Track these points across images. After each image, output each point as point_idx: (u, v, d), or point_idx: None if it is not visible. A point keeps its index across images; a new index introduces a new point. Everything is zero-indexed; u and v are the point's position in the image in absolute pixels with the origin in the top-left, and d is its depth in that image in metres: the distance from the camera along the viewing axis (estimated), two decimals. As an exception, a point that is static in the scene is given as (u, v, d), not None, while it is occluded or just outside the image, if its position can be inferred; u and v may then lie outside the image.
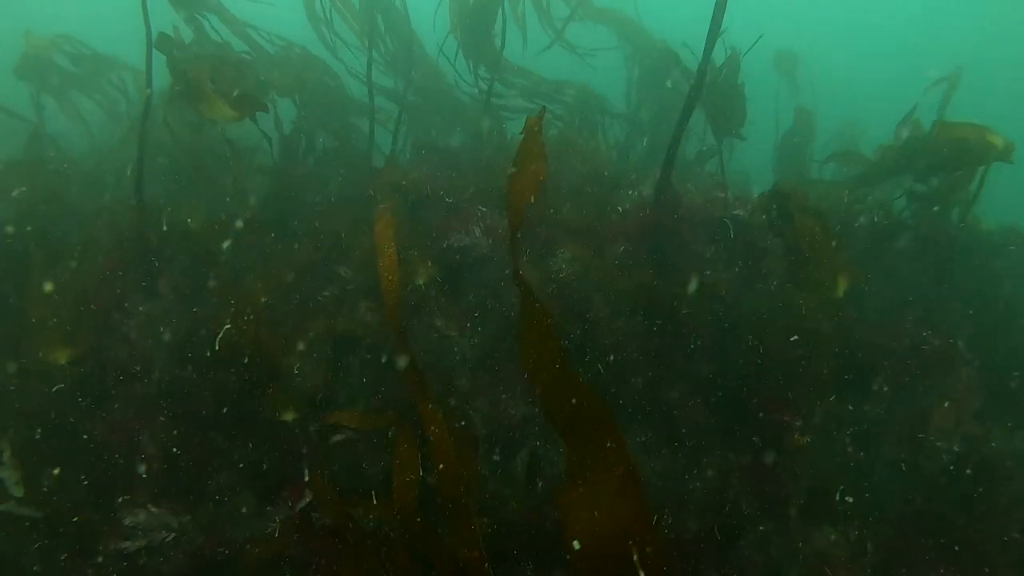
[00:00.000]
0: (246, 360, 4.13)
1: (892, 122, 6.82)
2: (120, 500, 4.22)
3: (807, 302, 4.23)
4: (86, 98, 8.33)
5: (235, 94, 4.68)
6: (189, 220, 5.61)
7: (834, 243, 4.20)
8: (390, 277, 3.41)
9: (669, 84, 8.42)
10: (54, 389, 4.73)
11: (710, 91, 6.87)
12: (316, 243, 5.79)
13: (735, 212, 5.28)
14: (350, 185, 6.80)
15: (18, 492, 3.84)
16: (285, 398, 3.94)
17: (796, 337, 4.51)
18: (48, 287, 4.87)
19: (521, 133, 3.30)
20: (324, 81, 8.38)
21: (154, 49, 5.03)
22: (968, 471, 4.52)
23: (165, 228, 5.39)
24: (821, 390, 4.54)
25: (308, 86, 7.93)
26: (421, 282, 5.37)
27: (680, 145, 5.32)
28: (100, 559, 3.89)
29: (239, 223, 5.56)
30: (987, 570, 4.04)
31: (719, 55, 10.03)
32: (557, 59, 9.78)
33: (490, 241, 5.49)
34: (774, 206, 4.83)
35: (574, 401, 2.60)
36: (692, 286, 5.00)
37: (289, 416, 3.87)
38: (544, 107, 3.36)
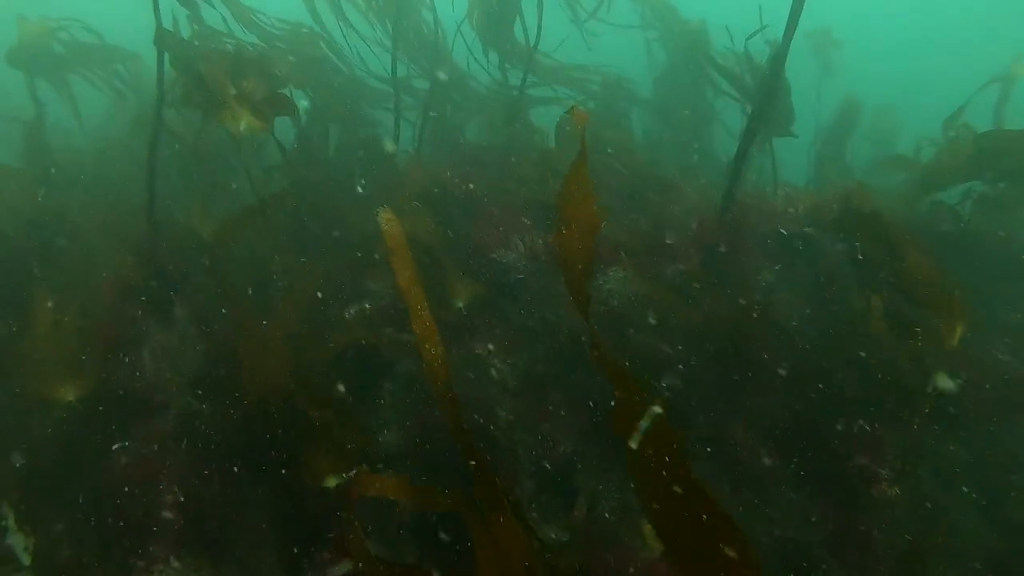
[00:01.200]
0: (275, 411, 3.69)
1: (917, 109, 6.37)
2: (136, 559, 3.83)
3: (909, 347, 3.79)
4: (88, 87, 7.76)
5: (259, 97, 4.15)
6: (205, 234, 5.15)
7: (948, 283, 3.74)
8: (419, 308, 2.97)
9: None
10: (59, 428, 4.30)
11: (758, 86, 6.38)
12: (341, 254, 5.33)
13: (805, 229, 4.81)
14: (374, 187, 6.30)
15: (27, 560, 3.44)
16: (324, 461, 3.50)
17: (880, 375, 4.06)
18: (52, 312, 4.43)
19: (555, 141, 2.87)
20: (340, 70, 7.83)
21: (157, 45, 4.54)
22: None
23: (179, 245, 4.92)
24: (906, 432, 4.11)
25: (325, 77, 7.39)
26: (461, 304, 4.93)
27: (747, 157, 4.82)
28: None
29: (259, 235, 5.09)
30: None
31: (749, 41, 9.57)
32: (569, 41, 9.17)
33: (535, 257, 5.03)
34: (849, 223, 4.38)
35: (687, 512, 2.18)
36: (759, 313, 4.55)
37: (331, 482, 3.44)
38: (574, 106, 2.85)
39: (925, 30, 39.92)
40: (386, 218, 3.34)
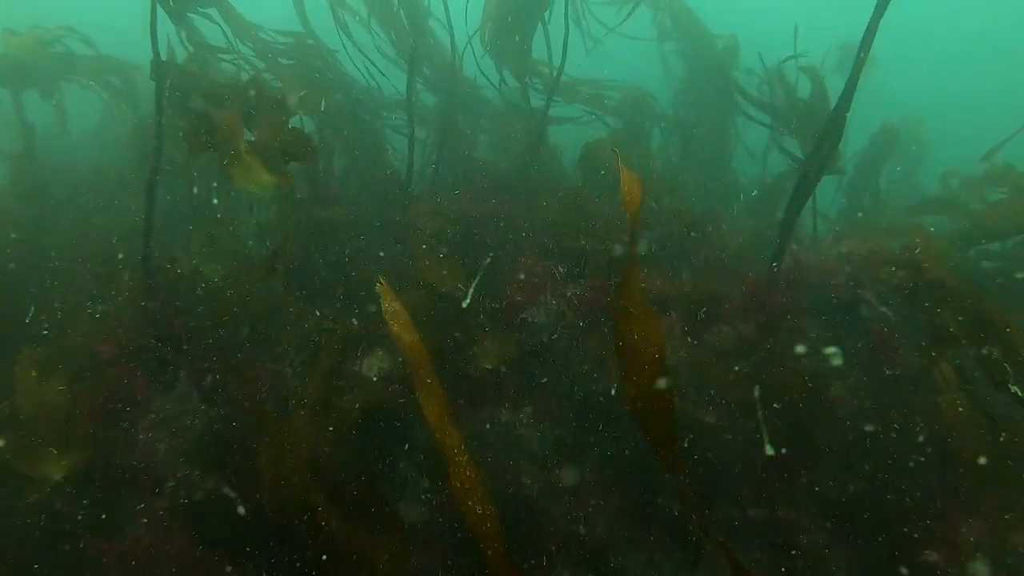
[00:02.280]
0: (291, 508, 3.27)
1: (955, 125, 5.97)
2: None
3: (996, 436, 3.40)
4: (81, 100, 7.29)
5: (274, 144, 3.68)
6: (207, 277, 4.70)
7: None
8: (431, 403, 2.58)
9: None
10: (47, 508, 3.87)
11: (804, 116, 5.97)
12: (354, 306, 4.89)
13: (864, 293, 4.41)
14: (387, 223, 5.86)
15: None
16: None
17: (959, 463, 3.68)
18: (39, 379, 3.99)
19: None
20: (347, 84, 7.37)
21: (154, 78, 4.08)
22: None
23: (179, 295, 4.48)
24: (987, 527, 3.73)
25: (331, 94, 6.93)
26: (489, 366, 4.51)
27: (799, 215, 4.41)
28: None
29: (264, 285, 4.65)
30: None
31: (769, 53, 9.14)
32: (581, 53, 8.66)
33: (567, 314, 4.61)
34: (926, 294, 3.97)
35: None
36: (815, 385, 4.16)
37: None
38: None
39: (966, 43, 38.96)
40: (385, 295, 2.94)
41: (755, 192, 8.60)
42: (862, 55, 4.25)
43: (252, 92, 3.96)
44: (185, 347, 4.26)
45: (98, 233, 5.10)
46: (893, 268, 4.26)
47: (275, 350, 4.55)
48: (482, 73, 7.53)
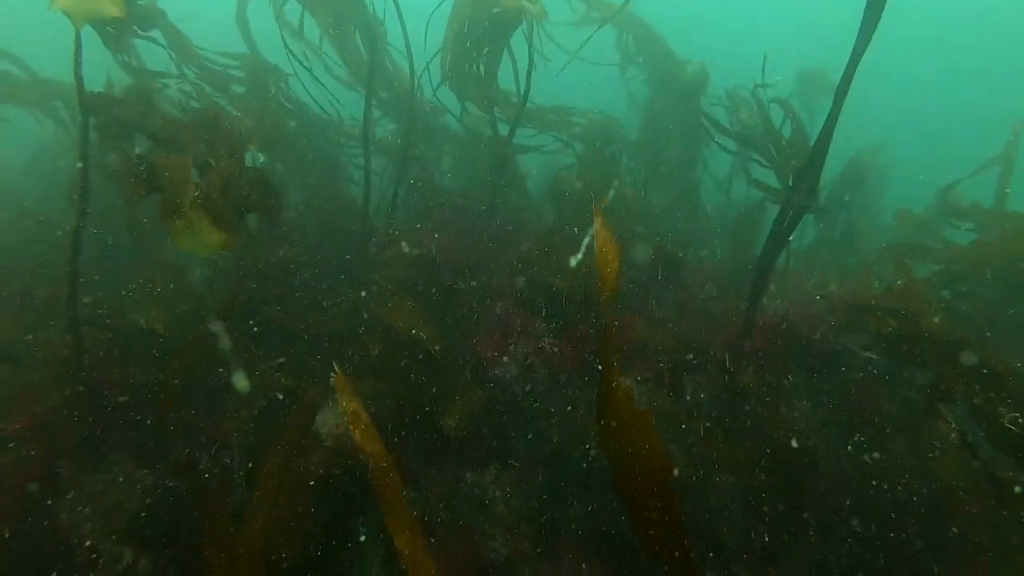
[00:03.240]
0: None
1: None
2: None
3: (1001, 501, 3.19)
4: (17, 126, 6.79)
5: (230, 192, 3.29)
6: (144, 325, 4.29)
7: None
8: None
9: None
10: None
11: (784, 152, 5.79)
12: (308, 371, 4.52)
13: (846, 342, 4.20)
14: (347, 263, 5.50)
15: None
16: None
17: (961, 530, 3.47)
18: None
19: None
20: (301, 110, 7.01)
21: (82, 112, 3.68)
22: None
23: (111, 350, 4.06)
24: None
25: (283, 120, 6.56)
26: (452, 422, 4.18)
27: (775, 261, 4.19)
28: None
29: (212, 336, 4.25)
30: None
31: (743, 75, 8.99)
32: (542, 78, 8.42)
33: (540, 366, 4.31)
34: (923, 351, 3.77)
35: None
36: (801, 446, 3.93)
37: None
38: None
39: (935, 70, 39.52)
40: (343, 393, 2.65)
41: (724, 221, 8.47)
42: (842, 92, 4.05)
43: (205, 133, 3.58)
44: (120, 410, 3.85)
45: (22, 283, 4.63)
46: (881, 316, 4.06)
47: (224, 410, 4.16)
48: (438, 101, 7.24)
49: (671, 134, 8.61)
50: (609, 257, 2.00)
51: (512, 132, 6.40)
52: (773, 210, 7.85)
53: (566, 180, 6.51)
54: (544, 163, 9.48)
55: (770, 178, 6.36)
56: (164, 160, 3.16)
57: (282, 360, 4.59)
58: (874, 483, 3.85)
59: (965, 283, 5.05)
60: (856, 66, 4.03)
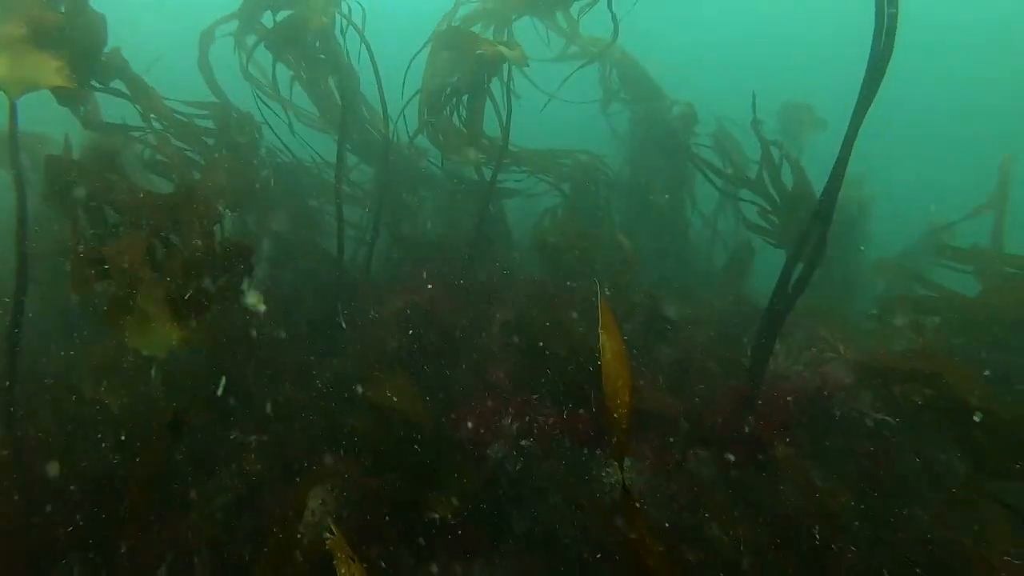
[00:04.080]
0: None
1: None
2: None
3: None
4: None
5: (196, 283, 2.93)
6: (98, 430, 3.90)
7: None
8: None
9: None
10: None
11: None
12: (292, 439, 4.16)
13: (865, 413, 3.92)
14: (322, 327, 5.16)
15: None
16: None
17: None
18: None
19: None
20: (274, 158, 6.70)
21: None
22: None
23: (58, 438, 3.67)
24: None
25: (260, 174, 6.25)
26: (441, 510, 3.84)
27: (778, 329, 3.92)
28: None
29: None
30: None
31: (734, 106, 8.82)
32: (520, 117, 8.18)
33: (535, 444, 3.99)
34: (935, 408, 3.50)
35: None
36: (822, 524, 3.62)
37: None
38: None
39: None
40: (340, 557, 2.34)
41: (712, 260, 8.26)
42: (848, 145, 3.82)
43: (172, 209, 3.24)
44: (65, 517, 3.46)
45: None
46: (905, 381, 3.79)
47: (189, 503, 3.78)
48: (412, 145, 6.99)
49: (658, 173, 8.40)
50: (619, 384, 1.70)
51: (494, 177, 6.12)
52: (764, 249, 7.66)
53: (548, 231, 6.24)
54: (527, 202, 9.22)
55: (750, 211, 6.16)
56: (114, 247, 2.81)
57: (254, 440, 4.23)
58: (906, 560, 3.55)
59: (976, 334, 4.81)
60: (860, 124, 3.81)
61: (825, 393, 4.00)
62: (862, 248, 7.90)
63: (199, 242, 2.99)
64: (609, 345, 1.76)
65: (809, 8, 34.05)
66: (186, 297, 2.82)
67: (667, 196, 8.06)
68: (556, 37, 9.10)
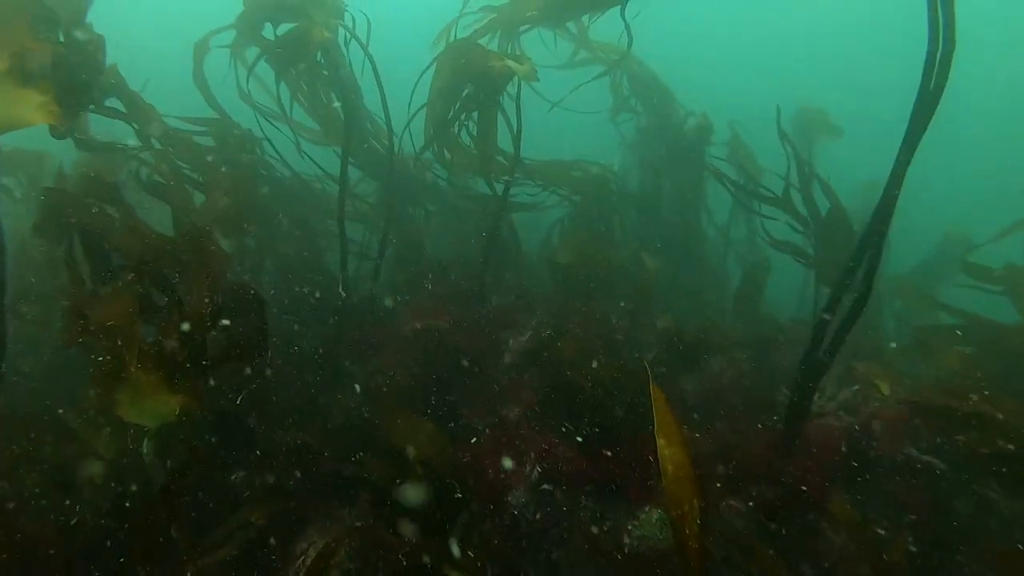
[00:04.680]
0: None
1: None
2: None
3: None
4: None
5: (197, 346, 2.65)
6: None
7: None
8: None
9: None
10: None
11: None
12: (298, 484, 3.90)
13: (919, 454, 3.67)
14: (326, 355, 4.91)
15: None
16: None
17: None
18: None
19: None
20: (276, 177, 6.45)
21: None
22: None
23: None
24: None
25: (260, 192, 6.00)
26: (456, 572, 3.59)
27: (827, 365, 3.65)
28: None
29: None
30: None
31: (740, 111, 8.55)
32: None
33: (562, 499, 3.74)
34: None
35: None
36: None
37: None
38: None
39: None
40: None
41: (724, 272, 8.01)
42: (897, 179, 3.54)
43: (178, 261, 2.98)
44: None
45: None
46: (958, 422, 3.54)
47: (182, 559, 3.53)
48: (418, 159, 6.73)
49: (672, 186, 8.13)
50: (685, 508, 1.44)
51: (506, 193, 5.82)
52: (780, 267, 7.39)
53: (562, 250, 5.99)
54: (532, 213, 8.94)
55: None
56: (100, 301, 2.55)
57: (257, 485, 3.98)
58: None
59: (1017, 364, 4.56)
60: (909, 161, 3.53)
61: (872, 436, 3.75)
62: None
63: (203, 293, 2.73)
64: (671, 457, 1.51)
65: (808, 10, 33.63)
66: (185, 360, 2.56)
67: (682, 208, 7.80)
68: (563, 42, 8.83)
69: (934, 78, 3.27)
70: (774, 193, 5.68)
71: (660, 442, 1.59)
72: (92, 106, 4.69)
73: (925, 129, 3.39)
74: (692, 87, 9.52)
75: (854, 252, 3.68)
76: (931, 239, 10.03)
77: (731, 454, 3.89)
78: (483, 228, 6.74)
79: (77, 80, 3.35)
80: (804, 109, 9.69)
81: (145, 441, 2.69)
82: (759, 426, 4.00)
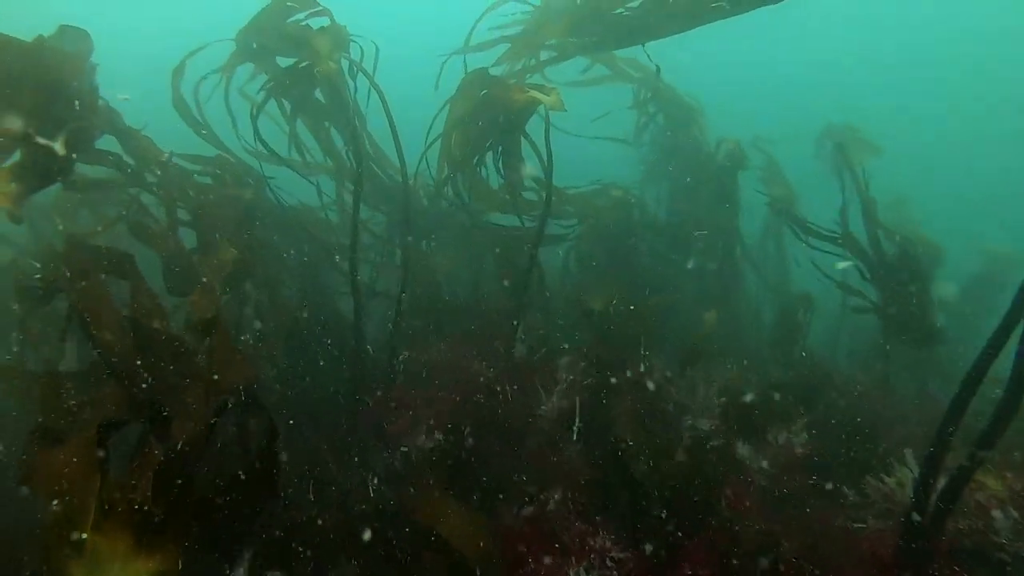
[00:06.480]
0: None
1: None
2: None
3: None
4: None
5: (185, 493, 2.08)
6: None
7: None
8: None
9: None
10: None
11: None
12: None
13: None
14: (339, 427, 4.38)
15: None
16: None
17: None
18: None
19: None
20: (283, 219, 5.92)
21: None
22: None
23: None
24: None
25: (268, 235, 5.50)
26: None
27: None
28: None
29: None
30: None
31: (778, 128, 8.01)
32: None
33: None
34: None
35: None
36: None
37: None
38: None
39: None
40: None
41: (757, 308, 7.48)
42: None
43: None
44: None
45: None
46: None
47: None
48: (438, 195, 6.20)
49: (703, 214, 7.57)
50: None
51: (541, 229, 5.20)
52: (825, 306, 6.84)
53: (593, 295, 5.44)
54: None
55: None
56: (54, 456, 1.93)
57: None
58: None
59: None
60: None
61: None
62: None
63: (201, 410, 2.18)
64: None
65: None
66: (164, 510, 1.99)
67: (716, 241, 7.27)
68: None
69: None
70: (834, 232, 5.14)
71: None
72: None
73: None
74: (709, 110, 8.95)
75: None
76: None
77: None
78: (505, 263, 6.21)
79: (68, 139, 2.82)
80: (832, 127, 9.15)
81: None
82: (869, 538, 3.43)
